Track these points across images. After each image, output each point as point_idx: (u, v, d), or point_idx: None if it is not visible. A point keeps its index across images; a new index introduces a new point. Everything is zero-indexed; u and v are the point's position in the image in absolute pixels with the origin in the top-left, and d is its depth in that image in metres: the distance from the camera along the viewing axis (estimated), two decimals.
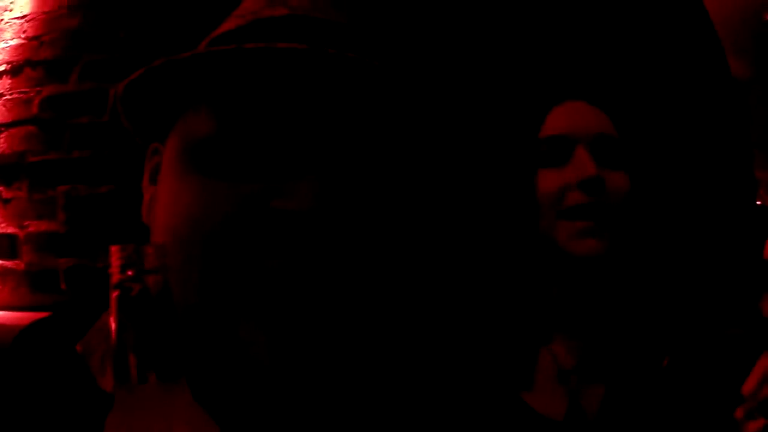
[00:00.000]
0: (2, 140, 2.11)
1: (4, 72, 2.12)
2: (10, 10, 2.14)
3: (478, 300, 0.93)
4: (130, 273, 0.41)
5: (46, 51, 2.08)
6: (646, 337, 0.89)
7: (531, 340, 0.89)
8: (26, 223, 2.08)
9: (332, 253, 0.57)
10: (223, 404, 0.58)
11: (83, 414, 0.56)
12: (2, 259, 2.09)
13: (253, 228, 0.55)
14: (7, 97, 2.11)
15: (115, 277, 0.41)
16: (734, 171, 0.94)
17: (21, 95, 2.09)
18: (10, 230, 2.09)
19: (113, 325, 0.41)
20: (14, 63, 2.11)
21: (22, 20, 2.12)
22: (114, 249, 0.41)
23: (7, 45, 2.13)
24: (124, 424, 0.42)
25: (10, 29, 2.14)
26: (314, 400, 0.62)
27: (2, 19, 2.15)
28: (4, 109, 2.11)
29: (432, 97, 0.65)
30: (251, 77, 0.57)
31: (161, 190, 0.63)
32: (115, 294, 0.41)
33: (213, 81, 0.58)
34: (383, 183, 0.62)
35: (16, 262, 2.08)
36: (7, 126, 2.10)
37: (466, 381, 0.87)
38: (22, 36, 2.12)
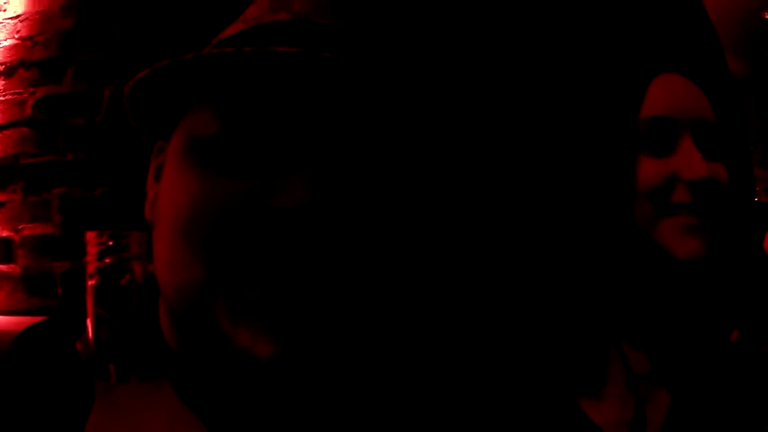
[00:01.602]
0: None
1: None
2: (4, 10, 2.12)
3: (546, 297, 0.84)
4: (108, 260, 0.38)
5: (41, 51, 2.06)
6: (712, 340, 0.83)
7: (603, 341, 0.80)
8: (21, 227, 2.05)
9: (329, 252, 0.57)
10: (211, 404, 0.56)
11: (83, 416, 0.53)
12: None
13: (251, 226, 0.55)
14: (1, 98, 2.08)
15: (92, 265, 0.38)
16: (736, 167, 0.88)
17: (15, 96, 2.07)
18: (5, 234, 2.07)
19: (89, 319, 0.38)
20: (8, 64, 2.09)
21: (16, 20, 2.10)
22: (90, 235, 0.38)
23: (1, 46, 2.11)
24: (106, 424, 0.39)
25: (4, 30, 2.12)
26: (310, 400, 0.61)
27: None
28: None
29: (440, 95, 0.66)
30: (251, 79, 0.59)
31: (164, 186, 0.63)
32: (91, 283, 0.38)
33: (215, 81, 0.60)
34: (385, 181, 0.63)
35: (12, 266, 2.06)
36: (1, 128, 2.08)
37: (518, 387, 0.80)
38: (16, 36, 2.09)
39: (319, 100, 0.59)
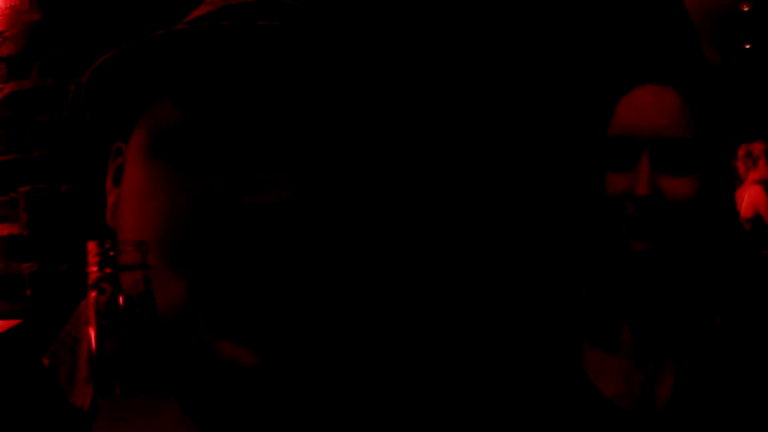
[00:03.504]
0: None
1: None
2: None
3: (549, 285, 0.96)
4: (108, 270, 0.37)
5: (9, 47, 2.00)
6: (710, 322, 0.90)
7: (609, 322, 0.90)
8: None
9: (311, 247, 0.54)
10: (213, 419, 0.55)
11: (56, 430, 0.53)
12: None
13: (228, 224, 0.52)
14: None
15: (93, 275, 0.37)
16: (714, 159, 0.95)
17: None
18: None
19: (92, 331, 0.37)
20: None
21: None
22: (91, 245, 0.37)
23: None
24: None
25: None
26: (307, 406, 0.59)
27: None
28: None
29: (429, 86, 0.63)
30: (224, 61, 0.54)
31: (128, 190, 0.58)
32: (93, 294, 0.37)
33: (182, 67, 0.55)
34: (366, 174, 0.59)
35: None
36: None
37: (528, 360, 0.88)
38: None
39: (297, 84, 0.55)
